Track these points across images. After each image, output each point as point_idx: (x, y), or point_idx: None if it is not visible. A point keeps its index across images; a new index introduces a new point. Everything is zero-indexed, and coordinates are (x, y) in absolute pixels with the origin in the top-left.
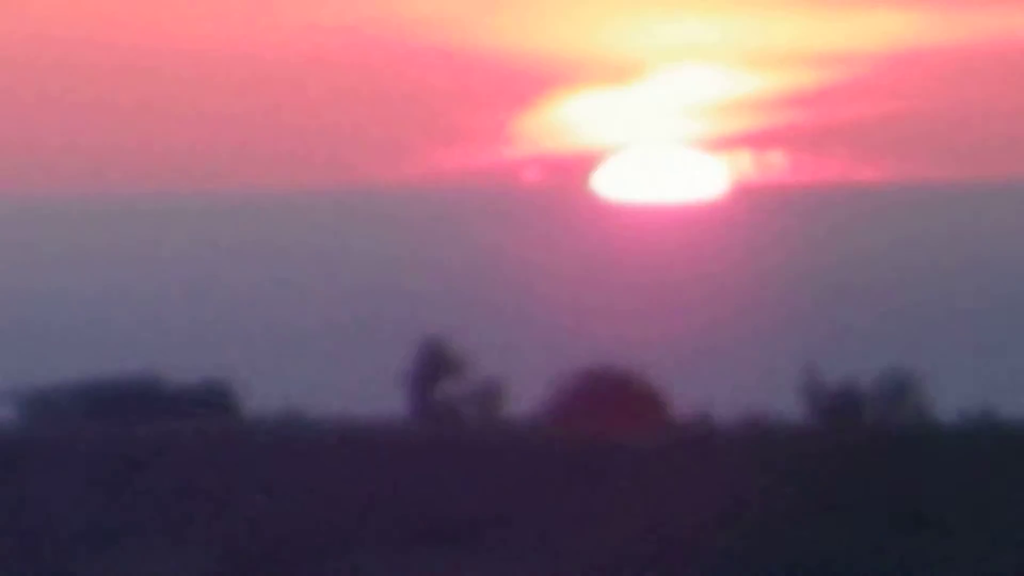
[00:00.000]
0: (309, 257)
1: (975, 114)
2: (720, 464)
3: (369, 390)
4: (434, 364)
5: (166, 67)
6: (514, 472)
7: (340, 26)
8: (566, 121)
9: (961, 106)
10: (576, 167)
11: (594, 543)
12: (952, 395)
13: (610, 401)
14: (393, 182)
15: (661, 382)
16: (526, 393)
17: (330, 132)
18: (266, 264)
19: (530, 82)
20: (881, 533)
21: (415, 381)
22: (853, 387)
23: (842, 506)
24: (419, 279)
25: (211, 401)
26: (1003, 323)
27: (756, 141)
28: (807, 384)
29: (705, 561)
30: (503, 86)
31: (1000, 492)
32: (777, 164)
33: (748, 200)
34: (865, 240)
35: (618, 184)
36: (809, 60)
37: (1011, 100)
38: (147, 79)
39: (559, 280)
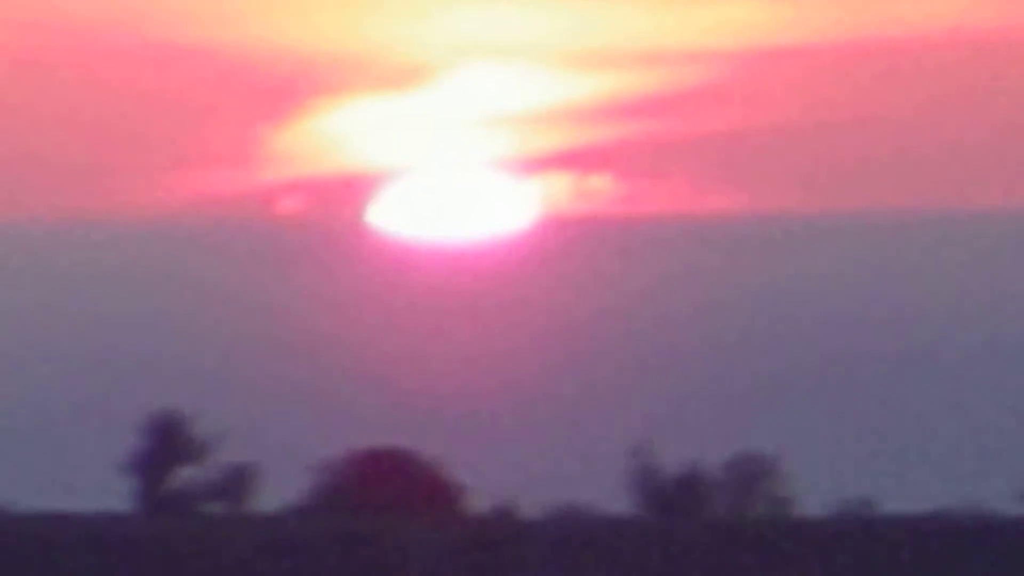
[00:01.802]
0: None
1: (847, 126)
2: (528, 568)
3: (83, 478)
4: (169, 447)
5: None
6: None
7: (55, 21)
8: (332, 137)
9: (831, 117)
10: (345, 193)
11: None
12: (818, 482)
13: (392, 489)
14: (114, 212)
15: (455, 465)
16: (282, 480)
17: (34, 153)
18: None
19: (286, 89)
20: None
21: (144, 467)
22: (695, 472)
23: None
24: (144, 337)
25: None
26: (883, 391)
27: (575, 161)
28: (638, 468)
29: None
30: (253, 94)
31: None
32: (601, 190)
33: (562, 234)
34: (707, 285)
35: (399, 215)
36: (647, 60)
37: (887, 108)
38: None
39: (323, 336)
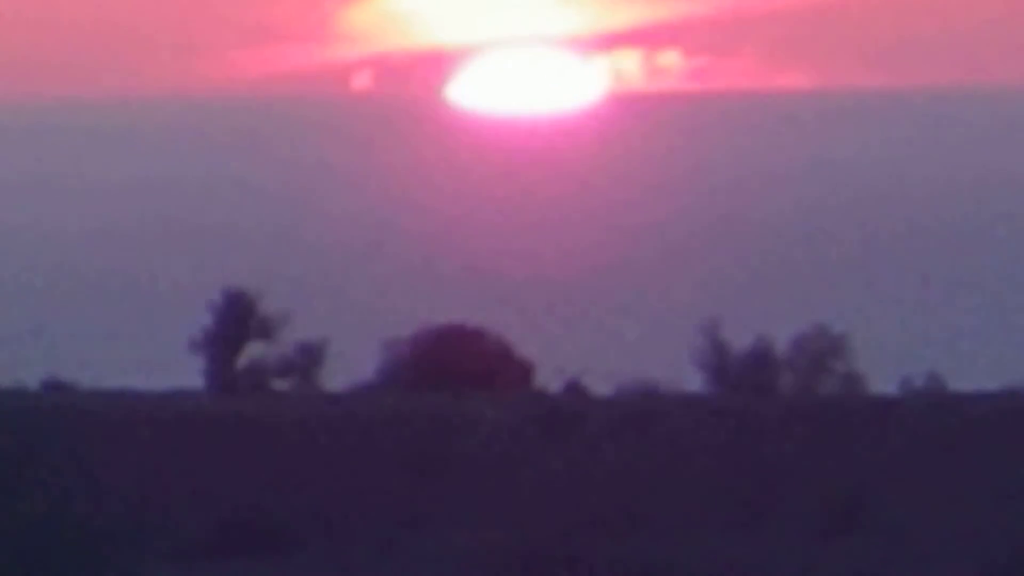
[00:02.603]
0: (83, 183)
1: (917, 1)
2: (596, 445)
3: (154, 355)
4: (238, 325)
5: None
6: (344, 459)
7: None
8: (404, 14)
9: None
10: (419, 70)
11: (436, 550)
12: (889, 361)
13: (462, 367)
14: (188, 90)
15: (524, 342)
16: (353, 357)
17: (108, 29)
18: (32, 186)
19: None
20: (808, 536)
21: (215, 346)
22: (765, 350)
23: (759, 502)
24: (220, 212)
25: None
26: (954, 270)
27: (645, 38)
28: (707, 347)
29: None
30: None
31: (954, 482)
32: (670, 67)
33: (633, 111)
34: (779, 162)
35: (474, 91)
36: None
37: None
38: None
39: (399, 212)
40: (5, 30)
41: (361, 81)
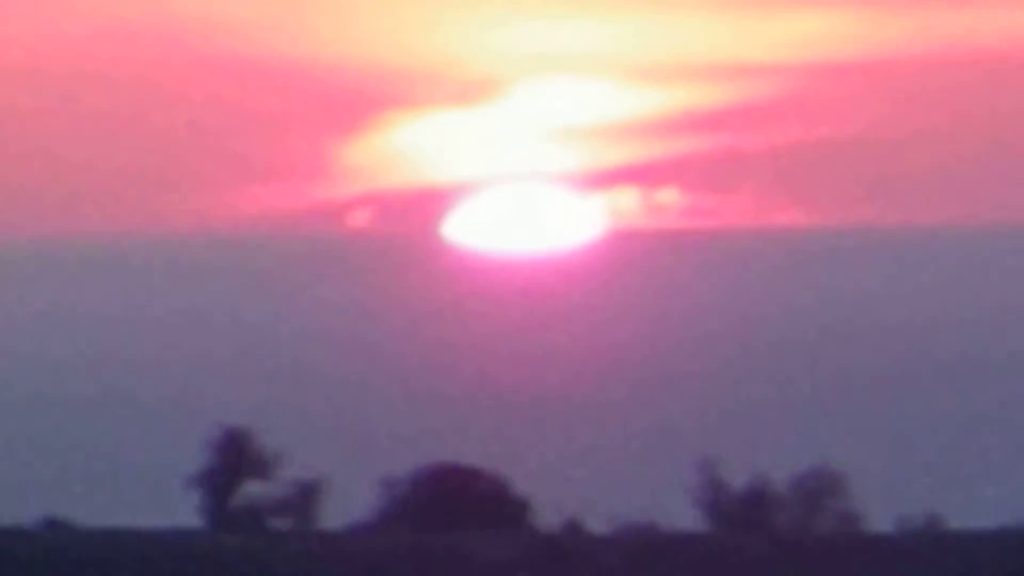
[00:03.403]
0: (71, 329)
1: (913, 140)
2: None
3: (152, 491)
4: (235, 463)
5: None
6: None
7: (126, 32)
8: (402, 151)
9: (897, 131)
10: (416, 206)
11: None
12: (885, 499)
13: (459, 506)
14: (187, 224)
15: (521, 480)
16: (351, 497)
17: (109, 166)
18: (33, 318)
19: (358, 103)
20: None
21: (212, 481)
22: (762, 489)
23: None
24: (215, 349)
25: None
26: (951, 405)
27: (644, 175)
28: (705, 485)
29: None
30: (325, 107)
31: None
32: (669, 203)
33: (632, 247)
34: (777, 299)
35: (472, 228)
36: (713, 74)
37: (953, 121)
38: None
39: (397, 348)
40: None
41: (358, 218)
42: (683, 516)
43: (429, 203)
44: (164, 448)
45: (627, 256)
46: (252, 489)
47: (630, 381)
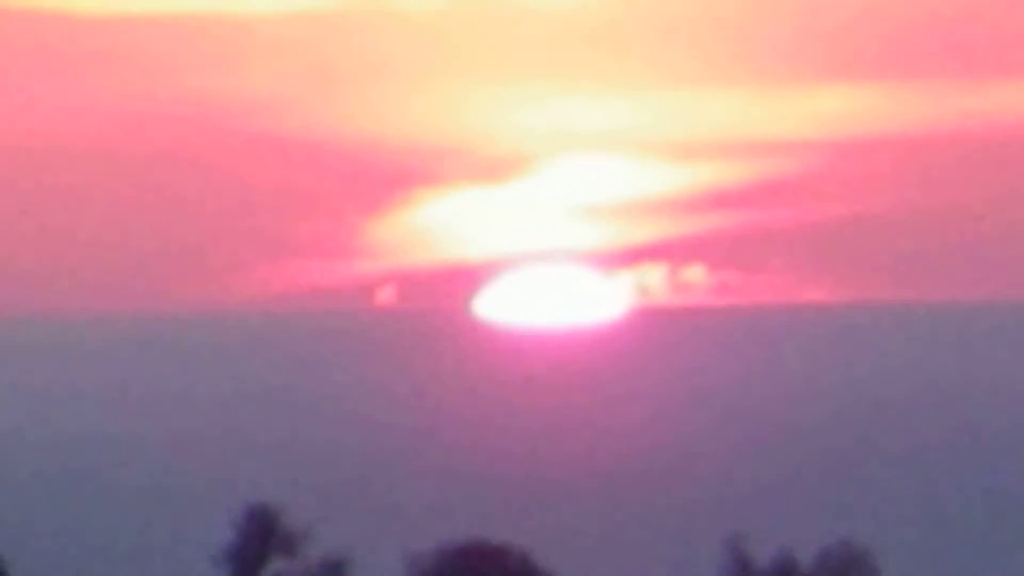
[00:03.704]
0: (101, 407)
1: (944, 216)
2: None
3: (178, 570)
4: (261, 541)
5: None
6: None
7: (155, 112)
8: (429, 228)
9: (927, 208)
10: (443, 284)
11: None
12: (910, 575)
13: None
14: (215, 305)
15: (548, 558)
16: (377, 574)
17: (136, 244)
18: (52, 397)
19: (384, 180)
20: None
21: (239, 559)
22: (789, 564)
23: None
24: (242, 427)
25: None
26: (978, 481)
27: (670, 252)
28: (732, 561)
29: None
30: (351, 185)
31: None
32: (695, 280)
33: (658, 324)
34: (805, 376)
35: (501, 306)
36: (741, 151)
37: (985, 198)
38: None
39: (425, 424)
40: (8, 246)
41: (385, 296)
42: None
43: (456, 280)
44: (191, 526)
45: (653, 333)
46: (278, 566)
47: (657, 458)
